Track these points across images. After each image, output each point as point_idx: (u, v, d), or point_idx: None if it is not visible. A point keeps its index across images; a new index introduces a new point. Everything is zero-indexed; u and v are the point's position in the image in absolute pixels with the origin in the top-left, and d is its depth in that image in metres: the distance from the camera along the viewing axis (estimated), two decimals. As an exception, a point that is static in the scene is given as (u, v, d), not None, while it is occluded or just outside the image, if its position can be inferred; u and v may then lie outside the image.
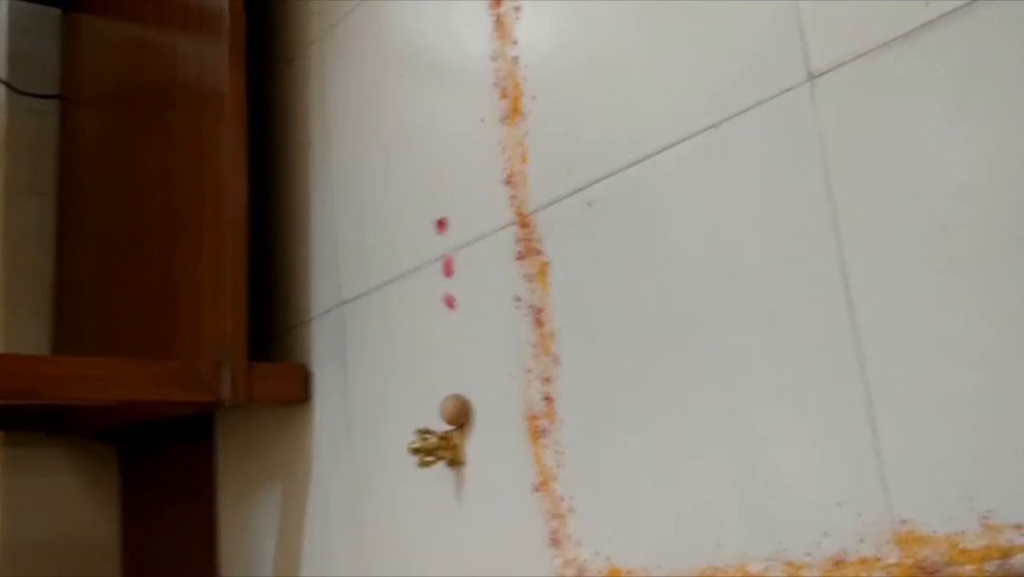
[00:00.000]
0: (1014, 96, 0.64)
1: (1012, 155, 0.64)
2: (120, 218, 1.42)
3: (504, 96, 1.02)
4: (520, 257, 0.99)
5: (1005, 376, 0.64)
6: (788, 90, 0.77)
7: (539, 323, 0.97)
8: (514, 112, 1.01)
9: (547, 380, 0.95)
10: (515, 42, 1.02)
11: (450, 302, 1.07)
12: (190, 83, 1.34)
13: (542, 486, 0.95)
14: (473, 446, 1.03)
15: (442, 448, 1.03)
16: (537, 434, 0.96)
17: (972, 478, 0.65)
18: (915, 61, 0.70)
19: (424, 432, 1.04)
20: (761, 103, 0.79)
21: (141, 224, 1.37)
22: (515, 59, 1.01)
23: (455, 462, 1.04)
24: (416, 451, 1.02)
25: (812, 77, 0.75)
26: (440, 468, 1.05)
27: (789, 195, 0.77)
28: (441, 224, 1.09)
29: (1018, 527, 0.62)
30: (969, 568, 0.64)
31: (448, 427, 1.04)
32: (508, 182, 1.01)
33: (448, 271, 1.08)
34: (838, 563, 0.72)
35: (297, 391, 1.24)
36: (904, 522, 0.69)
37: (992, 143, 0.65)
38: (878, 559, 0.70)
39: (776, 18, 0.78)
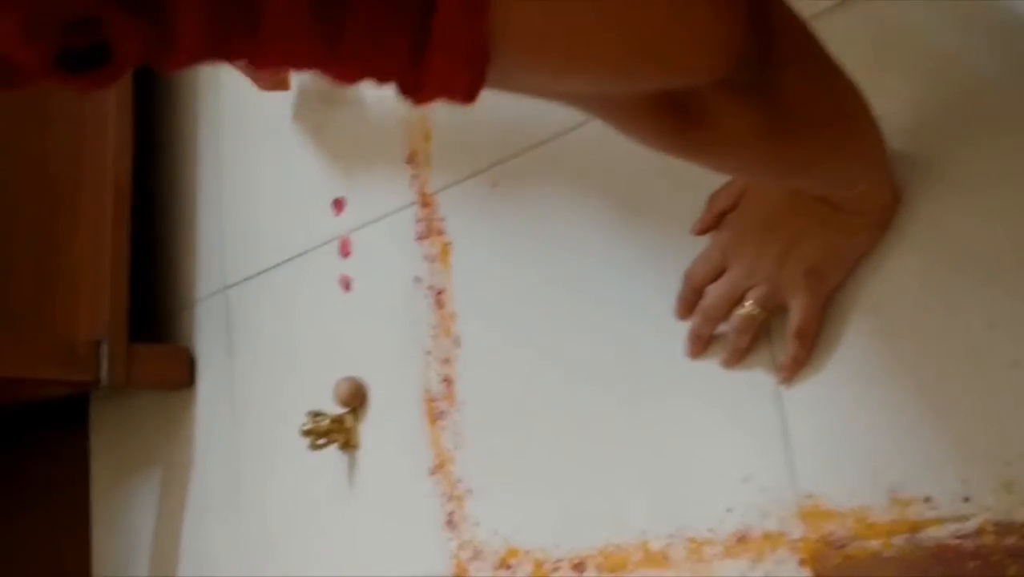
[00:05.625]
0: None
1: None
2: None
3: (409, 73, 0.95)
4: (421, 237, 0.93)
5: (908, 345, 0.62)
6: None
7: (440, 304, 0.90)
8: (419, 90, 0.94)
9: (447, 362, 0.89)
10: (421, 21, 0.95)
11: (346, 284, 1.00)
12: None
13: (438, 469, 0.88)
14: (368, 429, 0.95)
15: (335, 431, 0.95)
16: (435, 417, 0.89)
17: (879, 451, 0.62)
18: None
19: (316, 414, 0.96)
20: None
21: (13, 201, 1.24)
22: (420, 38, 0.95)
23: (348, 445, 0.96)
24: (307, 433, 0.94)
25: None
26: (332, 452, 0.97)
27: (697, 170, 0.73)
28: (338, 204, 1.02)
29: (927, 500, 0.60)
30: (876, 542, 0.62)
31: (341, 410, 0.96)
32: (410, 161, 0.94)
33: (345, 252, 1.00)
34: (741, 539, 0.69)
35: (180, 375, 1.13)
36: (809, 497, 0.66)
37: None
38: (782, 534, 0.67)
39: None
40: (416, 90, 0.32)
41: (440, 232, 0.91)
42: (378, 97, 0.98)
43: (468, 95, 0.32)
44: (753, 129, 0.41)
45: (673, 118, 0.40)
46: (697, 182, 0.72)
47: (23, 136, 1.21)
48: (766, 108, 0.41)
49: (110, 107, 1.13)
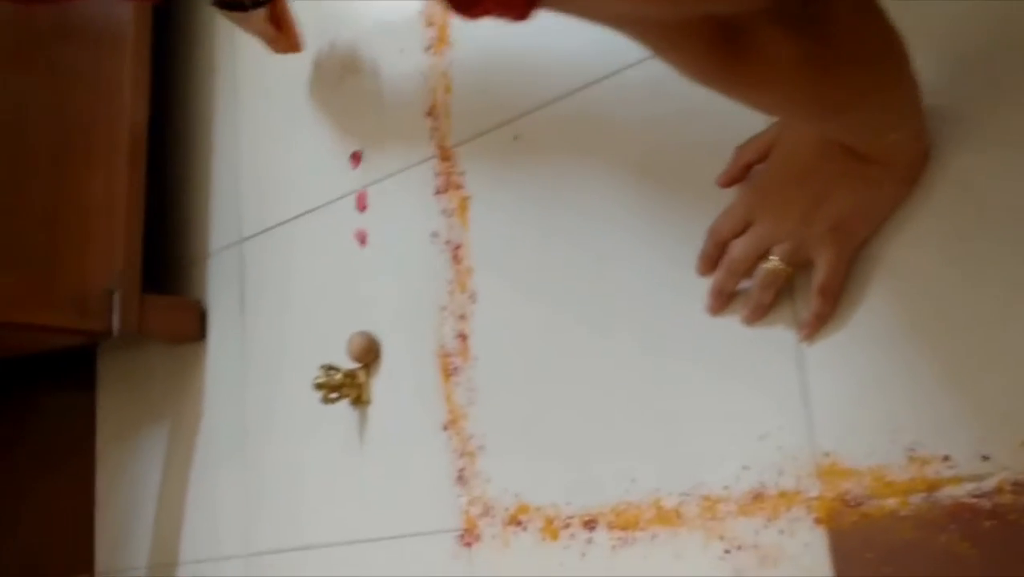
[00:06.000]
0: None
1: None
2: None
3: (430, 24, 0.95)
4: (439, 192, 0.93)
5: (932, 304, 0.62)
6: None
7: (456, 259, 0.90)
8: (440, 41, 0.94)
9: (462, 317, 0.89)
10: (444, -28, 0.94)
11: (362, 238, 1.00)
12: (87, 18, 1.21)
13: (451, 425, 0.89)
14: (380, 385, 0.95)
15: (347, 385, 0.95)
16: (448, 372, 0.89)
17: (898, 409, 0.62)
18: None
19: (329, 368, 0.96)
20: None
21: (27, 148, 1.23)
22: (443, -11, 0.94)
23: (360, 401, 0.96)
24: (320, 387, 0.94)
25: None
26: (343, 406, 0.97)
27: (719, 125, 0.72)
28: (356, 158, 1.01)
29: (946, 459, 0.60)
30: (893, 501, 0.62)
31: (354, 364, 0.96)
32: (430, 114, 0.94)
33: (361, 206, 1.00)
34: (757, 497, 0.69)
35: (191, 327, 1.13)
36: (827, 455, 0.66)
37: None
38: (799, 492, 0.67)
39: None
40: (472, 3, 0.32)
41: (459, 186, 0.91)
42: (399, 48, 0.97)
43: (523, 11, 0.32)
44: (795, 61, 0.41)
45: (718, 45, 0.40)
46: (724, 136, 0.71)
47: (39, 83, 1.20)
48: (811, 40, 0.41)
49: (127, 56, 1.12)
